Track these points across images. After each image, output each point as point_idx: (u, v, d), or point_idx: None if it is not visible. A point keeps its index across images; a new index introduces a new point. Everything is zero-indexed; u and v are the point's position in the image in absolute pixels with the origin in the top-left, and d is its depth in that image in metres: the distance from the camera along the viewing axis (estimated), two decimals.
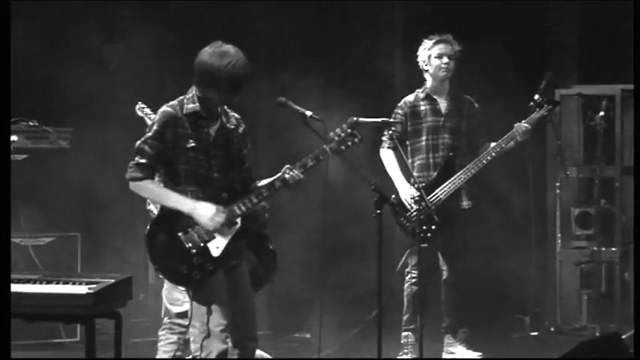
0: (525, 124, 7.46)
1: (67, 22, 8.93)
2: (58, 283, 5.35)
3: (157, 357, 6.65)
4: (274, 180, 5.73)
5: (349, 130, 5.80)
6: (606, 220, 8.69)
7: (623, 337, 6.17)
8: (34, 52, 8.65)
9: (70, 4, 8.91)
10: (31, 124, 8.31)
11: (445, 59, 7.54)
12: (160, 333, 6.67)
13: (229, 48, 5.62)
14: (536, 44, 9.56)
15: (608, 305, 8.52)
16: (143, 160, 5.64)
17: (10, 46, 5.34)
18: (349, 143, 5.79)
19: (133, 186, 5.69)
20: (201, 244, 5.63)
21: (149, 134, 5.66)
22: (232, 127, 5.81)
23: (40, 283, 5.36)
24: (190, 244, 5.63)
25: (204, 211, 5.60)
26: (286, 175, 5.71)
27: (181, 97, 5.75)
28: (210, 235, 5.64)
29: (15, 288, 5.25)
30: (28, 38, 8.53)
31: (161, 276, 5.84)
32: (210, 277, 5.63)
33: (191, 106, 5.69)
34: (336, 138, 5.78)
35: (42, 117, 8.38)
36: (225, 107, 5.80)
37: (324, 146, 5.76)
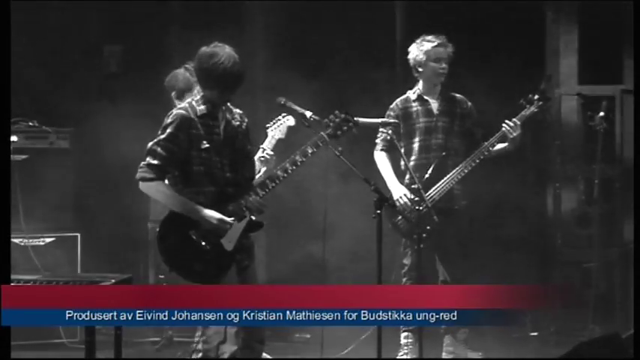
0: (514, 120, 7.43)
1: (68, 22, 8.93)
2: (58, 283, 5.35)
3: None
4: (278, 170, 5.75)
5: (343, 115, 5.83)
6: (606, 220, 8.68)
7: (623, 337, 6.17)
8: (34, 53, 8.65)
9: (70, 4, 8.91)
10: (30, 124, 8.30)
11: (443, 64, 7.52)
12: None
13: (219, 49, 5.64)
14: (535, 44, 9.55)
15: (608, 305, 8.51)
16: (155, 162, 5.64)
17: (10, 46, 5.35)
18: (344, 128, 5.84)
19: (143, 186, 5.69)
20: (214, 240, 5.65)
21: (162, 136, 5.67)
22: (237, 123, 5.83)
23: (40, 283, 5.37)
24: (204, 241, 5.64)
25: (212, 219, 5.61)
26: (287, 165, 5.74)
27: (190, 99, 5.78)
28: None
29: None
30: (29, 39, 8.53)
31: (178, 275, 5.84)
32: (227, 273, 5.64)
33: (201, 107, 5.71)
34: (331, 124, 5.82)
35: (42, 117, 8.37)
36: (229, 104, 5.82)
37: (321, 132, 5.80)
